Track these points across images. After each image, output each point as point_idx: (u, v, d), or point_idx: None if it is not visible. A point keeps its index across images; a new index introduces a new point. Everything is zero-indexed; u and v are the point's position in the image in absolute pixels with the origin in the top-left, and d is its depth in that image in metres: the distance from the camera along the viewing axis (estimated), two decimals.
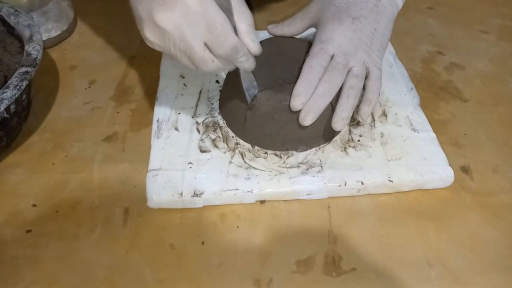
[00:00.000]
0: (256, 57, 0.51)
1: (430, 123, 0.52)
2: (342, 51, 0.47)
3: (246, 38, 0.41)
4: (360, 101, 0.48)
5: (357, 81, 0.47)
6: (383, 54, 0.51)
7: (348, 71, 0.47)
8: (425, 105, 0.54)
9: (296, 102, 0.45)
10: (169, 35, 0.37)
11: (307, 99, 0.45)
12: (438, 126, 0.52)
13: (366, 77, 0.49)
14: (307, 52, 0.49)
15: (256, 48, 0.42)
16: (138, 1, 0.38)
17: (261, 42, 0.53)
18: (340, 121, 0.46)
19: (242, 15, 0.40)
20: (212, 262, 0.42)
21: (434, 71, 0.62)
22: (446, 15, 0.71)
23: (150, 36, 0.38)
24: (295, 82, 0.46)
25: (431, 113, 0.54)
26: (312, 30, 0.53)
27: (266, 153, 0.49)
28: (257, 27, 0.65)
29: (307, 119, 0.45)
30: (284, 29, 0.53)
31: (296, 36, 0.55)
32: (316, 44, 0.48)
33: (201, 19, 0.37)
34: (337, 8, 0.49)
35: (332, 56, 0.47)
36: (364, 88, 0.48)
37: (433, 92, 0.59)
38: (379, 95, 0.49)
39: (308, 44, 0.52)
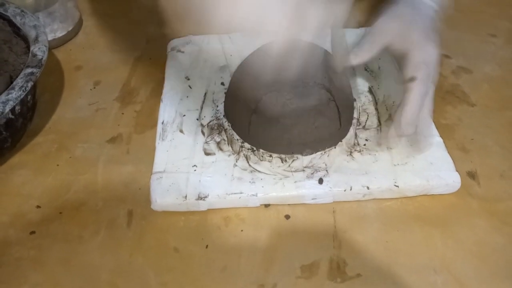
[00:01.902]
0: (262, 59, 0.50)
1: (437, 127, 0.51)
2: (435, 72, 0.47)
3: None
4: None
5: (432, 102, 0.48)
6: None
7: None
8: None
9: (408, 130, 0.45)
10: None
11: (415, 126, 0.45)
12: (445, 131, 0.52)
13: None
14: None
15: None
16: None
17: (266, 45, 0.53)
18: (424, 146, 0.48)
19: None
20: (216, 266, 0.42)
21: (441, 75, 0.61)
22: (453, 18, 0.70)
23: None
24: (301, 85, 0.46)
25: (437, 117, 0.54)
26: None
27: (271, 156, 0.48)
28: None
29: (405, 126, 0.45)
30: (366, 55, 0.48)
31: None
32: (421, 66, 0.45)
33: None
34: (423, 28, 0.48)
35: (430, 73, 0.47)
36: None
37: (440, 96, 0.58)
38: None
39: (312, 45, 0.51)
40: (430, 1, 0.51)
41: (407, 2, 0.51)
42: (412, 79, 0.45)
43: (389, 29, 0.48)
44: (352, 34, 0.62)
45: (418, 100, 0.44)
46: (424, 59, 0.46)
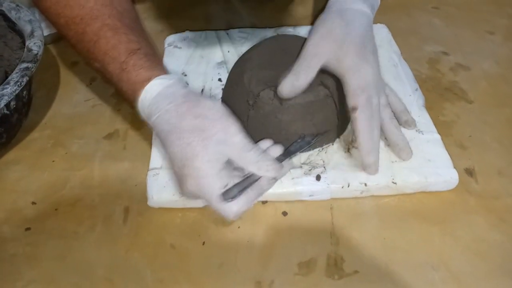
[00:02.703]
0: (260, 56, 0.50)
1: (435, 124, 0.51)
2: (375, 90, 0.44)
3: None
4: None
5: (389, 109, 0.47)
6: None
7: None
8: (430, 106, 0.54)
9: (372, 170, 0.45)
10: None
11: (377, 154, 0.44)
12: (443, 128, 0.52)
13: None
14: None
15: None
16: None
17: (264, 41, 0.53)
18: (407, 153, 0.47)
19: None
20: (213, 263, 0.42)
21: (439, 72, 0.61)
22: (452, 15, 0.70)
23: None
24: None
25: (435, 114, 0.54)
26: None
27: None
28: (262, 25, 0.65)
29: (373, 165, 0.45)
30: (303, 83, 0.45)
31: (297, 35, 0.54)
32: (358, 93, 0.43)
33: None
34: (357, 45, 0.44)
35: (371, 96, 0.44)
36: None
37: (438, 93, 0.58)
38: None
39: None
40: (362, 5, 0.47)
41: (338, 13, 0.47)
42: (354, 109, 0.43)
43: (321, 52, 0.45)
44: None
45: (367, 127, 0.43)
46: (359, 84, 0.43)
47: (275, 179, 0.40)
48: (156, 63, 0.42)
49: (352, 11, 0.47)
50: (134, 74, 0.41)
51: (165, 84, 0.41)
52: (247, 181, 0.39)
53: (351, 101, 0.43)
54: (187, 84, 0.49)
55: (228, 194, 0.38)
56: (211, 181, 0.38)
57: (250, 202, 0.39)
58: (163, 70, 0.42)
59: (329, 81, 0.47)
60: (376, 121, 0.44)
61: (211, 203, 0.38)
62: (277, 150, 0.42)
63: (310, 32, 0.47)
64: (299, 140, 0.46)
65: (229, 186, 0.38)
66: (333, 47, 0.45)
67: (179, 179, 0.39)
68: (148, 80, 0.40)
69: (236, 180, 0.39)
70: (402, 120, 0.50)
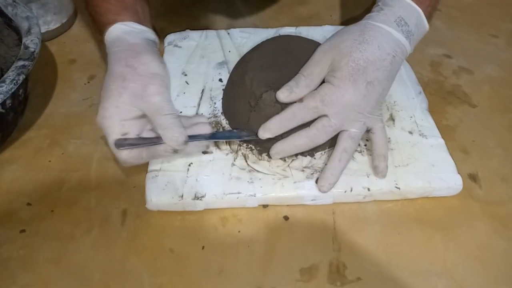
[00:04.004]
0: (262, 56, 0.49)
1: (438, 128, 0.50)
2: (341, 116, 0.42)
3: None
4: (373, 157, 0.45)
5: (352, 143, 0.44)
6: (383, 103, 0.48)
7: (342, 131, 0.44)
8: (433, 110, 0.53)
9: (264, 135, 0.44)
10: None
11: (274, 135, 0.44)
12: (446, 132, 0.51)
13: (369, 131, 0.45)
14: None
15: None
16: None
17: (267, 41, 0.52)
18: (327, 185, 0.43)
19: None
20: (213, 268, 0.41)
21: (442, 75, 0.60)
22: (455, 18, 0.69)
23: None
24: None
25: (438, 118, 0.53)
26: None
27: (270, 156, 0.47)
28: (264, 25, 0.64)
29: (274, 154, 0.45)
30: (303, 90, 0.44)
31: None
32: (315, 98, 0.42)
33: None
34: (356, 66, 0.42)
35: (325, 115, 0.43)
36: (370, 141, 0.46)
37: (441, 96, 0.57)
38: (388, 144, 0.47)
39: (316, 44, 0.50)
40: (393, 29, 0.43)
41: (362, 28, 0.44)
42: (300, 101, 0.43)
43: (325, 61, 0.44)
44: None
45: (286, 120, 0.43)
46: (326, 98, 0.42)
47: (173, 151, 0.42)
48: (125, 9, 0.46)
49: (379, 32, 0.43)
50: (103, 18, 0.45)
51: (123, 30, 0.45)
52: (148, 140, 0.42)
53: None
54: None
55: (121, 143, 0.41)
56: (111, 124, 0.41)
57: (139, 159, 0.42)
58: (131, 16, 0.46)
59: None
60: (316, 137, 0.43)
61: (108, 143, 0.42)
62: (204, 129, 0.44)
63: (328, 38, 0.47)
64: (235, 130, 0.47)
65: (129, 136, 0.41)
66: (334, 59, 0.43)
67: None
68: (112, 23, 0.45)
69: (145, 133, 0.43)
70: (373, 164, 0.45)
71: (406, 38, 0.44)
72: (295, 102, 0.44)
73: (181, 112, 0.51)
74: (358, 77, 0.42)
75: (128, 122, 0.42)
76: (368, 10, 0.47)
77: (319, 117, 0.43)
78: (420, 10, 0.45)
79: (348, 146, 0.44)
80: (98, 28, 0.47)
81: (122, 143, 0.41)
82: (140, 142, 0.42)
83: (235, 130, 0.47)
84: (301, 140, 0.44)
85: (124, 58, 0.43)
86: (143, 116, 0.42)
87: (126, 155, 0.42)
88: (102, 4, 0.46)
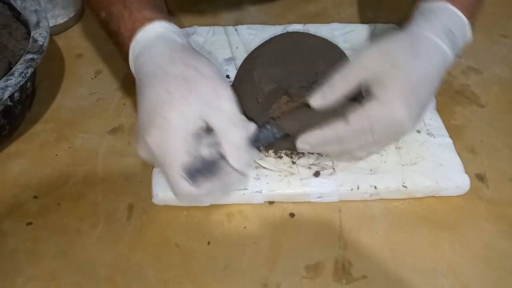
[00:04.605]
0: (270, 53, 0.49)
1: (446, 128, 0.50)
2: (385, 134, 0.39)
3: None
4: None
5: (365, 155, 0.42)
6: None
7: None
8: (441, 109, 0.53)
9: (302, 146, 0.40)
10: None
11: (313, 151, 0.41)
12: (454, 132, 0.51)
13: None
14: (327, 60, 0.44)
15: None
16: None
17: (275, 37, 0.52)
18: (303, 144, 0.39)
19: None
20: (218, 264, 0.41)
21: (450, 75, 0.60)
22: None
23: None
24: (310, 81, 0.44)
25: (446, 118, 0.53)
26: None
27: (276, 152, 0.47)
28: (272, 21, 0.64)
29: (300, 143, 0.40)
30: (337, 94, 0.39)
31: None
32: (362, 118, 0.38)
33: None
34: (409, 83, 0.37)
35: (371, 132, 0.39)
36: None
37: (449, 96, 0.57)
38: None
39: (325, 41, 0.50)
40: (441, 39, 0.40)
41: (410, 37, 0.41)
42: (345, 121, 0.38)
43: (369, 66, 0.39)
44: (361, 29, 0.61)
45: (326, 132, 0.38)
46: (373, 116, 0.37)
47: (243, 179, 0.35)
48: (161, 11, 0.40)
49: (426, 45, 0.40)
50: (137, 13, 0.39)
51: (168, 28, 0.38)
52: (215, 167, 0.33)
53: (350, 115, 0.38)
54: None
55: (191, 173, 0.32)
56: (178, 142, 0.32)
57: (206, 195, 0.34)
58: (168, 19, 0.40)
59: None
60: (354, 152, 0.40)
61: (167, 169, 0.33)
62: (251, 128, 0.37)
63: (372, 42, 0.42)
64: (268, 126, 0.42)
65: (194, 159, 0.32)
66: (381, 68, 0.38)
67: (142, 127, 0.34)
68: (151, 20, 0.38)
69: (203, 152, 0.34)
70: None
71: (452, 50, 0.41)
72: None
73: None
74: (410, 95, 0.38)
75: (193, 139, 0.33)
76: (372, 8, 0.47)
77: None
78: (466, 21, 0.42)
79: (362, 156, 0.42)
80: (118, 23, 0.40)
81: (192, 175, 0.32)
82: (210, 170, 0.33)
83: (268, 126, 0.42)
84: (334, 148, 0.40)
85: (181, 59, 0.35)
86: (201, 128, 0.34)
87: (191, 189, 0.33)
88: (132, 2, 0.40)
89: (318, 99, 0.40)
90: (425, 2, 0.44)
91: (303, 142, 0.40)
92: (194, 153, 0.33)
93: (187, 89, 0.33)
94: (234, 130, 0.34)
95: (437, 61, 0.40)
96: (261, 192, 0.44)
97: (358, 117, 0.38)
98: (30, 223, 0.44)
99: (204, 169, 0.33)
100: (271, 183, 0.45)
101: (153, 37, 0.38)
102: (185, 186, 0.33)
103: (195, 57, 0.36)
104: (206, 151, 0.34)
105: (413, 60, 0.39)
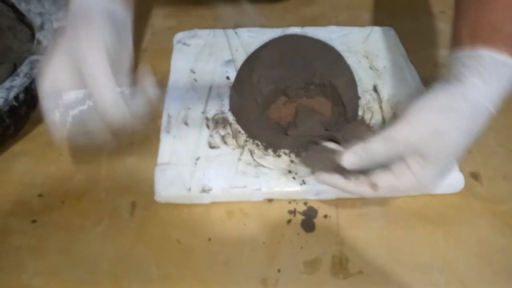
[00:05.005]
0: (269, 55, 0.50)
1: None
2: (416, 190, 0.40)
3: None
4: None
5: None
6: None
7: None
8: None
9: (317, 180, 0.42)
10: None
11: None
12: None
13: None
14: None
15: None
16: None
17: (274, 40, 0.53)
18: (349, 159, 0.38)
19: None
20: (219, 259, 0.42)
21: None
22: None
23: None
24: (308, 82, 0.46)
25: None
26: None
27: (275, 151, 0.48)
28: (270, 25, 0.65)
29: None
30: (363, 161, 0.38)
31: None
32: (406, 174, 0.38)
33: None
34: (449, 159, 0.37)
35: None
36: None
37: None
38: None
39: (322, 44, 0.51)
40: (489, 99, 0.37)
41: (471, 109, 0.36)
42: (373, 186, 0.38)
43: (413, 141, 0.36)
44: (357, 32, 0.62)
45: (350, 187, 0.39)
46: (404, 183, 0.37)
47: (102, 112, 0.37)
48: None
49: (485, 115, 0.37)
50: None
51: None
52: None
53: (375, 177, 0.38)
54: (195, 80, 0.46)
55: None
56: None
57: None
58: None
59: (339, 83, 0.47)
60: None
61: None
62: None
63: (419, 98, 0.37)
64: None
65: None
66: (430, 145, 0.36)
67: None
68: None
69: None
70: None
71: (494, 108, 0.38)
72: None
73: (189, 108, 0.52)
74: (445, 170, 0.38)
75: (62, 75, 0.37)
76: (369, 11, 0.47)
77: None
78: None
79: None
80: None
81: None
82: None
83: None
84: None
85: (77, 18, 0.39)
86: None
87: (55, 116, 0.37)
88: None
89: (352, 160, 0.38)
90: (474, 48, 0.37)
91: (318, 178, 0.41)
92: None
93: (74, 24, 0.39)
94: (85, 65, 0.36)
95: (479, 124, 0.37)
96: (260, 190, 0.45)
97: (387, 187, 0.38)
98: (34, 221, 0.45)
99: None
100: (270, 181, 0.46)
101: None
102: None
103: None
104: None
105: (465, 138, 0.37)
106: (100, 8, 0.41)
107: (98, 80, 0.36)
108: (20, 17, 0.56)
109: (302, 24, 0.64)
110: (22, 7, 0.55)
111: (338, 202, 0.46)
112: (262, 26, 0.65)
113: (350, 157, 0.38)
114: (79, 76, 0.37)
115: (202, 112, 0.52)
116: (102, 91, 0.36)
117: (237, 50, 0.59)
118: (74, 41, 0.37)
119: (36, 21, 0.53)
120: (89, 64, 0.36)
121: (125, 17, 0.44)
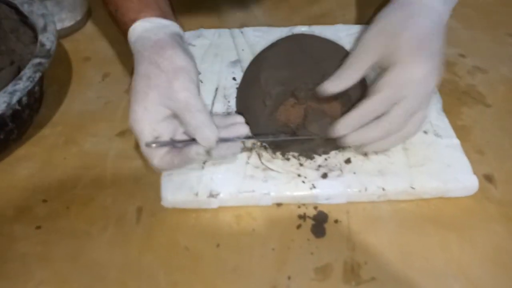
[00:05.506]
0: (277, 55, 0.49)
1: (452, 129, 0.50)
2: (418, 96, 0.41)
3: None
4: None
5: (417, 129, 0.43)
6: None
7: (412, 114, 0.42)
8: (447, 110, 0.52)
9: (336, 133, 0.42)
10: None
11: (348, 132, 0.42)
12: (461, 132, 0.51)
13: None
14: (334, 59, 0.45)
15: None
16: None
17: (281, 39, 0.52)
18: (342, 127, 0.42)
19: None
20: (228, 266, 0.41)
21: (456, 75, 0.60)
22: (469, 17, 0.69)
23: None
24: (317, 83, 0.45)
25: (453, 118, 0.53)
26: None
27: (284, 154, 0.47)
28: (277, 23, 0.64)
29: (343, 143, 0.43)
30: (345, 81, 0.43)
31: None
32: (386, 86, 0.40)
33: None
34: (414, 41, 0.41)
35: (401, 100, 0.40)
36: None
37: (455, 97, 0.57)
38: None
39: (331, 43, 0.50)
40: (435, 2, 0.43)
41: (399, 6, 0.43)
42: (372, 92, 0.40)
43: (373, 47, 0.42)
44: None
45: (362, 116, 0.41)
46: (398, 79, 0.40)
47: (206, 153, 0.40)
48: (147, 6, 0.43)
49: (417, 5, 0.43)
50: (124, 16, 0.43)
51: (145, 27, 0.42)
52: (181, 143, 0.40)
53: (377, 87, 0.41)
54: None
55: (150, 142, 0.39)
56: (142, 127, 0.39)
57: (171, 164, 0.40)
58: (153, 12, 0.43)
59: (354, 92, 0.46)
60: (392, 125, 0.41)
61: (140, 147, 0.40)
62: (241, 130, 0.42)
63: (367, 27, 0.44)
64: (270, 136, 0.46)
65: (162, 139, 0.40)
66: (386, 42, 0.41)
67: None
68: (133, 21, 0.42)
69: (179, 137, 0.41)
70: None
71: (443, 5, 0.44)
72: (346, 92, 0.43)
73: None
74: (420, 51, 0.40)
75: (159, 125, 0.40)
76: (377, 8, 0.47)
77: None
78: None
79: (409, 132, 0.42)
80: (120, 30, 0.45)
81: (151, 143, 0.39)
82: (171, 144, 0.40)
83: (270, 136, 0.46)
84: (374, 133, 0.42)
85: (148, 56, 0.41)
86: (175, 117, 0.40)
87: (158, 160, 0.40)
88: (123, 3, 0.43)
89: (329, 85, 0.43)
90: None
91: (343, 126, 0.42)
92: (163, 132, 0.40)
93: (147, 84, 0.40)
94: (189, 116, 0.39)
95: (433, 15, 0.43)
96: (269, 194, 0.44)
97: (382, 85, 0.41)
98: (39, 227, 0.44)
99: (167, 144, 0.40)
100: (279, 185, 0.45)
101: (134, 38, 0.42)
102: (151, 158, 0.40)
103: (159, 52, 0.40)
104: (180, 131, 0.41)
105: (409, 22, 0.42)
106: (168, 37, 0.42)
107: (203, 128, 0.39)
108: (23, 19, 0.55)
109: (309, 23, 0.62)
110: (25, 8, 0.54)
111: (349, 207, 0.45)
112: (269, 25, 0.64)
113: (328, 84, 0.43)
114: (175, 121, 0.41)
115: None
116: (208, 136, 0.39)
117: (243, 50, 0.58)
118: (167, 90, 0.39)
119: (39, 22, 0.52)
120: (194, 115, 0.39)
121: (182, 32, 0.45)
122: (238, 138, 0.41)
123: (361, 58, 0.43)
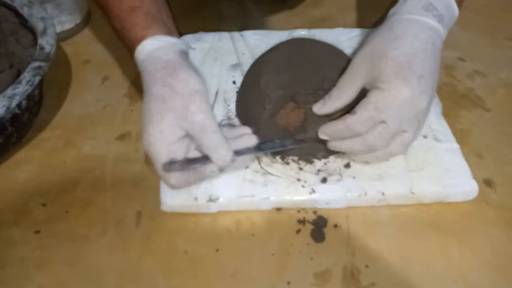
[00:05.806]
0: (277, 59, 0.49)
1: (452, 132, 0.50)
2: (398, 119, 0.40)
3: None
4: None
5: (403, 149, 0.42)
6: None
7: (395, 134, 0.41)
8: (446, 113, 0.52)
9: (320, 135, 0.44)
10: None
11: (329, 139, 0.44)
12: (460, 136, 0.51)
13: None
14: (336, 67, 0.45)
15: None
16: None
17: (282, 43, 0.52)
18: (322, 133, 0.44)
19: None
20: (227, 270, 0.41)
21: (455, 78, 0.60)
22: (469, 21, 0.69)
23: None
24: (317, 88, 0.45)
25: (452, 122, 0.52)
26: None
27: (283, 158, 0.47)
28: (277, 27, 0.64)
29: (331, 147, 0.44)
30: (335, 103, 0.43)
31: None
32: (367, 107, 0.40)
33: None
34: (397, 64, 0.39)
35: (382, 122, 0.40)
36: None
37: (454, 100, 0.57)
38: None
39: (331, 47, 0.50)
40: (424, 16, 0.42)
41: (390, 25, 0.42)
42: (353, 113, 0.41)
43: (361, 71, 0.42)
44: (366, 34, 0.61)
45: (342, 131, 0.42)
46: (378, 103, 0.39)
47: (221, 170, 0.41)
48: (153, 22, 0.43)
49: (409, 23, 0.42)
50: (131, 33, 0.42)
51: (155, 46, 0.42)
52: (195, 162, 0.40)
53: (357, 108, 0.41)
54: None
55: (169, 167, 0.39)
56: (158, 149, 0.39)
57: (188, 183, 0.41)
58: (160, 29, 0.43)
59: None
60: (373, 145, 0.41)
61: (156, 169, 0.40)
62: (250, 141, 0.42)
63: (367, 30, 0.45)
64: (277, 141, 0.45)
65: (177, 159, 0.40)
66: (371, 67, 0.41)
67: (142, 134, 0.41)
68: (141, 40, 0.42)
69: (191, 153, 0.41)
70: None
71: (438, 22, 0.42)
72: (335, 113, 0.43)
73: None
74: (405, 73, 0.39)
75: (174, 146, 0.40)
76: (377, 12, 0.47)
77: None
78: None
79: (396, 151, 0.42)
80: (125, 44, 0.44)
81: (169, 168, 0.39)
82: (187, 165, 0.40)
83: (276, 140, 0.45)
84: (358, 146, 0.42)
85: (161, 78, 0.40)
86: (187, 135, 0.40)
87: (175, 180, 0.40)
88: (128, 18, 0.43)
89: (318, 106, 0.44)
90: None
91: (321, 132, 0.44)
92: (178, 154, 0.40)
93: (163, 107, 0.39)
94: (204, 137, 0.39)
95: (425, 36, 0.41)
96: (268, 199, 0.44)
97: (363, 107, 0.40)
98: (38, 231, 0.44)
99: (182, 164, 0.40)
100: (278, 190, 0.45)
101: (144, 56, 0.42)
102: (167, 179, 0.40)
103: (172, 74, 0.40)
104: (191, 147, 0.41)
105: (394, 43, 0.41)
106: (179, 57, 0.42)
107: (219, 149, 0.39)
108: (23, 22, 0.55)
109: (309, 26, 0.62)
110: (25, 11, 0.54)
111: (348, 211, 0.45)
112: (268, 28, 0.64)
113: (317, 105, 0.44)
114: (187, 139, 0.41)
115: None
116: (224, 156, 0.39)
117: (243, 53, 0.58)
118: (184, 113, 0.39)
119: (39, 26, 0.52)
120: (210, 137, 0.39)
121: (187, 49, 0.46)
122: (249, 150, 0.42)
123: (350, 82, 0.42)
